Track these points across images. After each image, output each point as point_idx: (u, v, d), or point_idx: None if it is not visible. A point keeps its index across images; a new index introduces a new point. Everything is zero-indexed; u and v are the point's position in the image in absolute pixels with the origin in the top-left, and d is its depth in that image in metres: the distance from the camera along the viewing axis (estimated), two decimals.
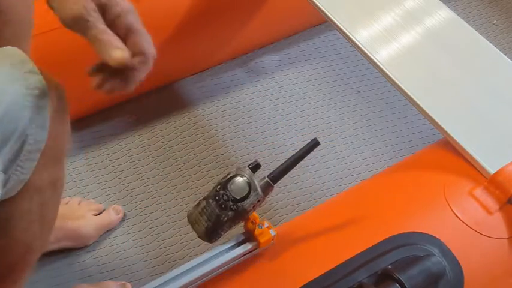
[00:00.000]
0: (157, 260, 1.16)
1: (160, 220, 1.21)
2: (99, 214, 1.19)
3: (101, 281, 1.12)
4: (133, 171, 1.28)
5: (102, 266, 1.14)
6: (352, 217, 0.88)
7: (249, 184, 0.80)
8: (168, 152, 1.32)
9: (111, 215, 1.19)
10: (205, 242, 0.82)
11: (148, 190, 1.25)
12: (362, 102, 1.45)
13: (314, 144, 0.82)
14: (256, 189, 0.79)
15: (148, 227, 1.20)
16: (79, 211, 1.16)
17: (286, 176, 0.82)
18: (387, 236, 0.82)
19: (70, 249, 1.15)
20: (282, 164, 0.82)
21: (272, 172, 0.82)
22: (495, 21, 1.65)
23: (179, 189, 1.26)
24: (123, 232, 1.19)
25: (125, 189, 1.25)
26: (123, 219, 1.20)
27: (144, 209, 1.23)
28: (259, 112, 1.41)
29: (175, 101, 1.40)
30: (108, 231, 1.18)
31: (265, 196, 0.81)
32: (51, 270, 1.12)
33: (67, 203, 1.17)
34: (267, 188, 0.81)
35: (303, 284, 0.78)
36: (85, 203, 1.19)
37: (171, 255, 1.16)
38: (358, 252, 0.80)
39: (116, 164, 1.29)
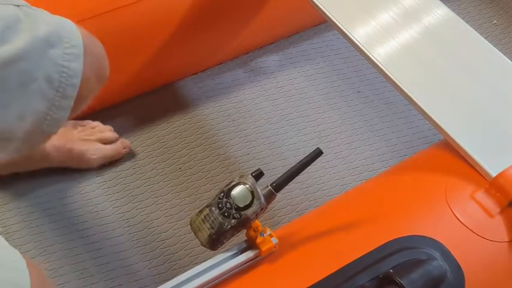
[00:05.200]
0: (158, 260, 1.16)
1: (161, 220, 1.21)
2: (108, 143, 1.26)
3: (101, 281, 1.12)
4: (134, 171, 1.28)
5: (102, 265, 1.14)
6: (353, 220, 0.88)
7: (252, 192, 0.80)
8: (168, 152, 1.32)
9: (118, 148, 1.26)
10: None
11: (149, 190, 1.25)
12: (362, 102, 1.45)
13: (317, 153, 0.83)
14: (259, 198, 0.80)
15: (148, 227, 1.20)
16: (91, 135, 1.24)
17: None
18: (388, 239, 0.82)
19: (71, 247, 1.15)
20: (284, 173, 0.83)
21: (275, 181, 0.83)
22: (495, 21, 1.65)
23: (179, 189, 1.26)
24: (123, 232, 1.19)
25: (125, 189, 1.25)
26: (123, 220, 1.20)
27: (144, 209, 1.22)
28: (259, 112, 1.40)
29: (175, 101, 1.40)
30: (112, 162, 1.27)
31: (268, 204, 0.82)
32: (51, 270, 1.12)
33: (84, 126, 1.25)
34: (269, 197, 0.82)
35: None
36: (100, 129, 1.26)
37: (171, 255, 1.16)
38: (359, 255, 0.80)
39: (116, 164, 1.29)
